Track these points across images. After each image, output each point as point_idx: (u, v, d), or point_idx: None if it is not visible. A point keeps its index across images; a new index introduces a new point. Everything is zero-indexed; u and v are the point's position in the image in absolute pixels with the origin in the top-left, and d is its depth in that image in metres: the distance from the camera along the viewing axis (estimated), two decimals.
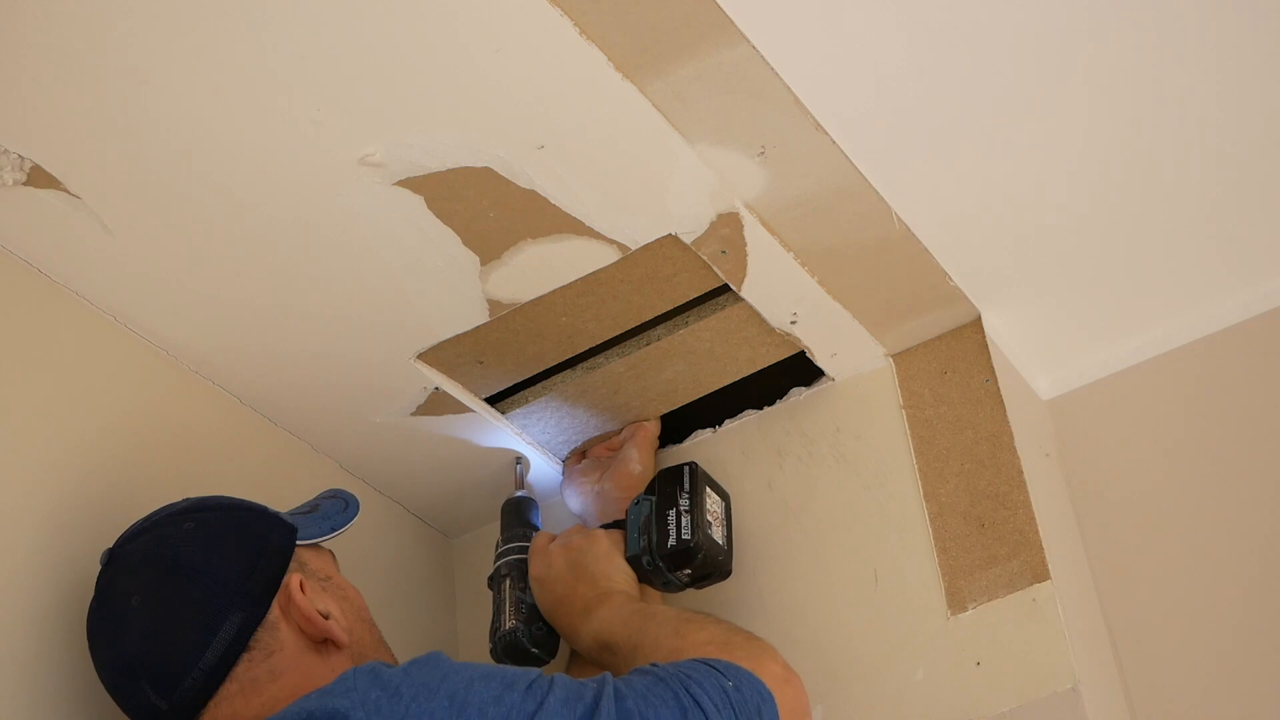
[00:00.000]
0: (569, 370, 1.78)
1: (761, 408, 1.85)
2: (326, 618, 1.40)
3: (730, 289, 1.67)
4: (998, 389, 1.71)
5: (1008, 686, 1.55)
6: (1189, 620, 1.67)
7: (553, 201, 1.54)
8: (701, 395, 1.83)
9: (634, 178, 1.52)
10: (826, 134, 1.51)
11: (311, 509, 1.53)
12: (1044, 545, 1.60)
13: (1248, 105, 1.60)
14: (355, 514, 1.53)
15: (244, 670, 1.36)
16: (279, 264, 1.58)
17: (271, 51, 1.36)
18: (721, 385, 1.82)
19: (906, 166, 1.58)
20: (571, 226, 1.57)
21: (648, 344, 1.74)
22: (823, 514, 1.74)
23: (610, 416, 1.83)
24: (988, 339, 1.74)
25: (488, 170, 1.50)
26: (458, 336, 1.69)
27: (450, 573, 1.96)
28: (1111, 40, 1.51)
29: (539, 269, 1.62)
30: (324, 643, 1.41)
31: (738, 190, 1.55)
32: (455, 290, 1.63)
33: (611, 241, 1.60)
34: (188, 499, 1.47)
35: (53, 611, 1.44)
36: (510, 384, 1.78)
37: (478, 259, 1.60)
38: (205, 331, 1.65)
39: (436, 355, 1.71)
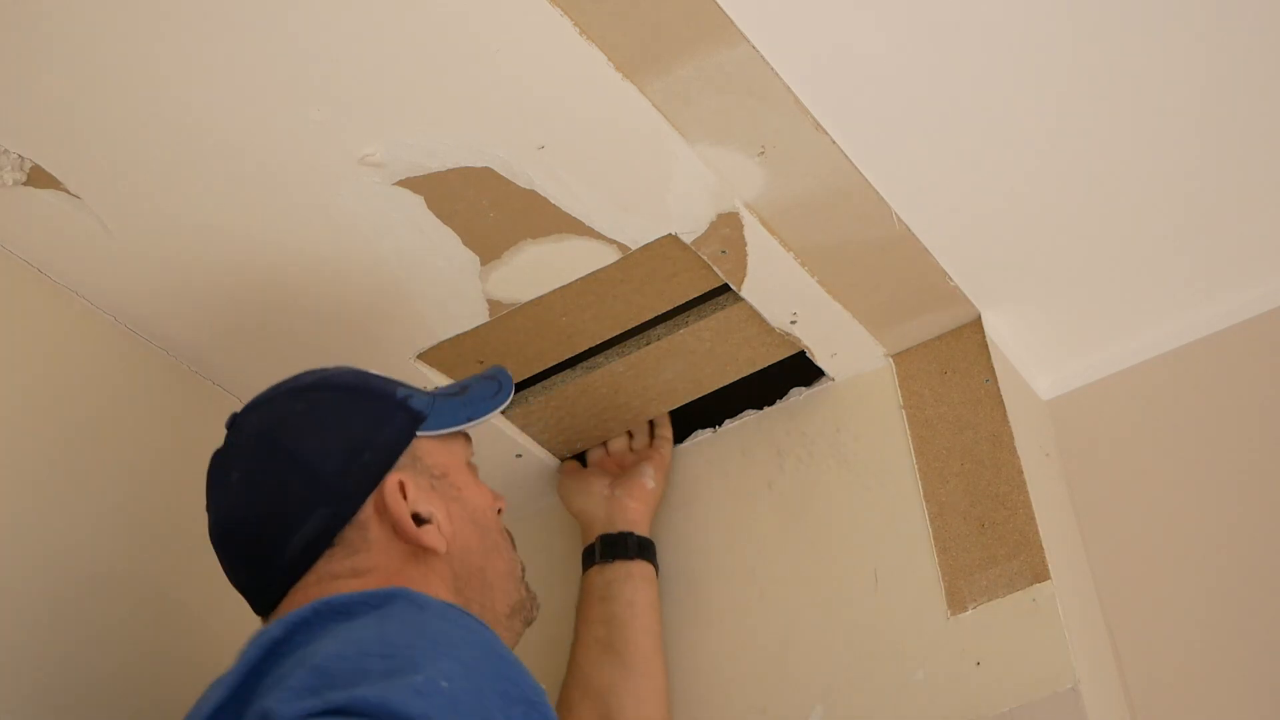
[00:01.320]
0: (569, 370, 1.78)
1: (761, 408, 1.85)
2: (424, 522, 1.31)
3: (730, 289, 1.67)
4: (998, 389, 1.71)
5: (1008, 686, 1.55)
6: (1189, 620, 1.67)
7: (553, 201, 1.54)
8: (701, 395, 1.83)
9: (634, 178, 1.52)
10: (826, 134, 1.51)
11: (459, 390, 1.44)
12: (1044, 545, 1.60)
13: (1248, 106, 1.60)
14: (504, 400, 1.44)
15: (324, 565, 1.29)
16: (279, 264, 1.58)
17: (272, 51, 1.36)
18: (721, 385, 1.82)
19: (906, 166, 1.58)
20: (571, 226, 1.57)
21: (648, 344, 1.74)
22: (823, 514, 1.74)
23: (610, 416, 1.83)
24: (988, 339, 1.74)
25: (488, 170, 1.50)
26: (458, 336, 1.69)
27: None
28: (1112, 41, 1.51)
29: (539, 269, 1.62)
30: (425, 549, 1.32)
31: (738, 190, 1.55)
32: (455, 290, 1.63)
33: (611, 241, 1.60)
34: (317, 371, 1.42)
35: (40, 623, 1.43)
36: None
37: (478, 259, 1.60)
38: (205, 331, 1.65)
39: (436, 355, 1.71)
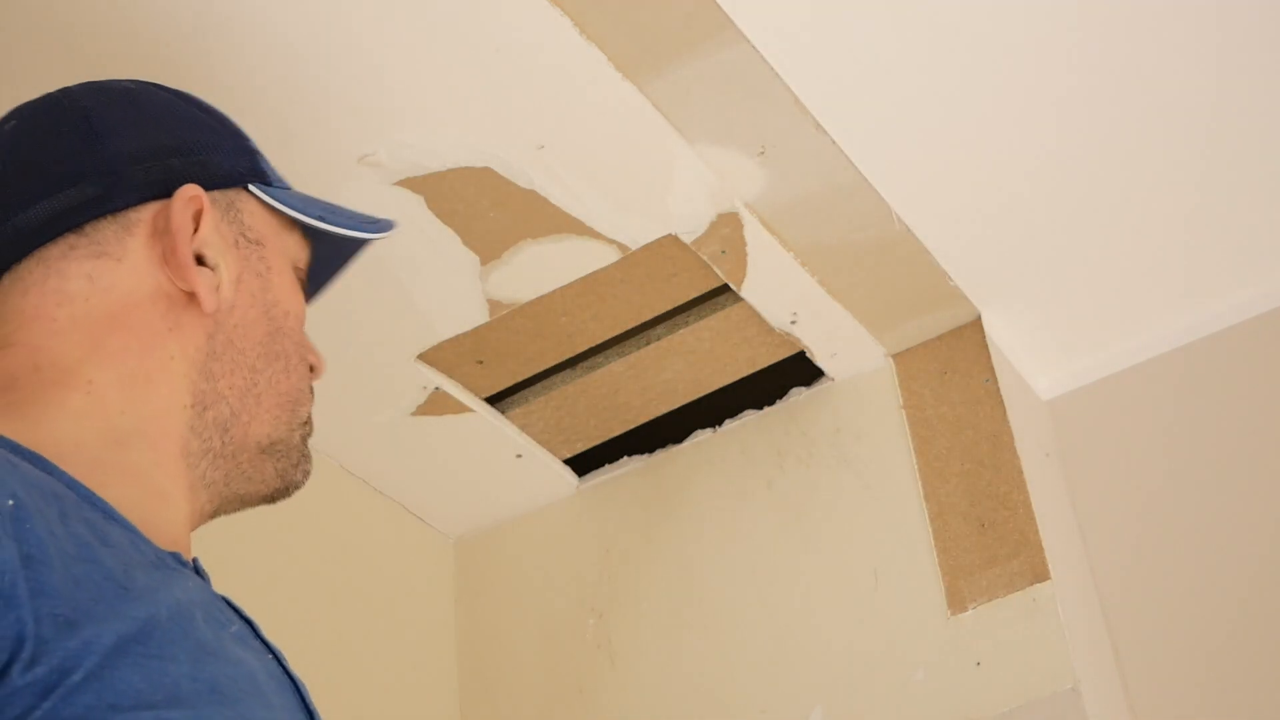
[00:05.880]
0: (569, 370, 1.78)
1: (761, 408, 1.85)
2: (204, 263, 1.00)
3: (730, 289, 1.67)
4: (998, 389, 1.71)
5: (1008, 686, 1.55)
6: (1189, 620, 1.67)
7: (553, 201, 1.54)
8: (701, 395, 1.83)
9: (634, 178, 1.52)
10: (826, 134, 1.51)
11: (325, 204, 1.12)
12: (1044, 545, 1.60)
13: (1247, 106, 1.60)
14: (369, 231, 1.12)
15: (58, 252, 0.98)
16: None
17: (270, 50, 1.36)
18: (721, 385, 1.82)
19: (906, 166, 1.58)
20: (571, 226, 1.57)
21: (648, 344, 1.74)
22: (823, 514, 1.74)
23: (610, 416, 1.83)
24: (988, 339, 1.74)
25: (488, 170, 1.50)
26: (458, 336, 1.69)
27: (450, 573, 1.96)
28: (1112, 40, 1.51)
29: (539, 269, 1.62)
30: (189, 296, 0.99)
31: (738, 190, 1.55)
32: (455, 290, 1.63)
33: (611, 241, 1.60)
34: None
35: None
36: (510, 384, 1.78)
37: (478, 259, 1.60)
38: None
39: (436, 355, 1.71)
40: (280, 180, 1.10)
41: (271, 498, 1.03)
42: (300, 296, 1.06)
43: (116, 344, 0.96)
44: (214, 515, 1.01)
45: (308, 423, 1.04)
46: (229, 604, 0.93)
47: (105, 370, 0.95)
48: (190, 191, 1.00)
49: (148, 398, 0.96)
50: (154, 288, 0.98)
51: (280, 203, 1.05)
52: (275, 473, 1.01)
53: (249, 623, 0.93)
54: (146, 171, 1.00)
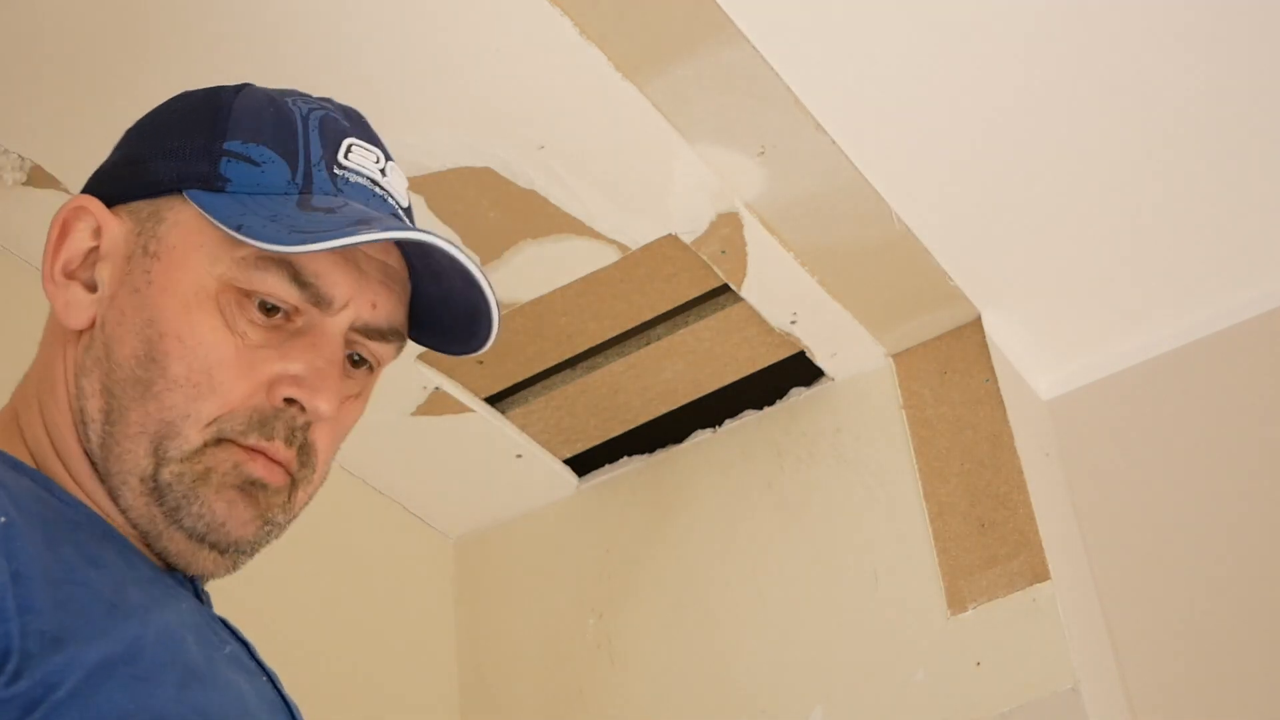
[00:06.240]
0: (569, 370, 1.78)
1: (761, 408, 1.85)
2: (88, 286, 0.95)
3: (730, 289, 1.67)
4: (998, 389, 1.71)
5: (1008, 686, 1.55)
6: (1189, 620, 1.67)
7: (553, 201, 1.54)
8: (701, 395, 1.83)
9: (634, 178, 1.52)
10: (826, 134, 1.51)
11: (331, 205, 0.94)
12: (1044, 545, 1.60)
13: (1248, 106, 1.60)
14: (354, 237, 0.88)
15: None
16: None
17: (271, 52, 1.36)
18: (721, 385, 1.82)
19: (906, 166, 1.58)
20: (571, 226, 1.57)
21: (648, 344, 1.74)
22: (823, 514, 1.74)
23: (610, 416, 1.83)
24: (988, 339, 1.74)
25: (488, 170, 1.50)
26: None
27: (450, 573, 1.96)
28: (1112, 40, 1.51)
29: (539, 269, 1.62)
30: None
31: (738, 190, 1.55)
32: None
33: (611, 241, 1.60)
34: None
35: None
36: (510, 384, 1.78)
37: (478, 259, 1.60)
38: None
39: (437, 355, 1.71)
40: (246, 176, 0.94)
41: (195, 554, 0.90)
42: (209, 319, 0.90)
43: (43, 359, 0.97)
44: (175, 565, 0.91)
45: (190, 459, 0.88)
46: (226, 625, 0.92)
47: (39, 387, 0.96)
48: (74, 204, 0.96)
49: (53, 415, 0.93)
50: None
51: (204, 208, 0.92)
52: (165, 518, 0.89)
53: (245, 644, 0.92)
54: (98, 185, 0.99)
